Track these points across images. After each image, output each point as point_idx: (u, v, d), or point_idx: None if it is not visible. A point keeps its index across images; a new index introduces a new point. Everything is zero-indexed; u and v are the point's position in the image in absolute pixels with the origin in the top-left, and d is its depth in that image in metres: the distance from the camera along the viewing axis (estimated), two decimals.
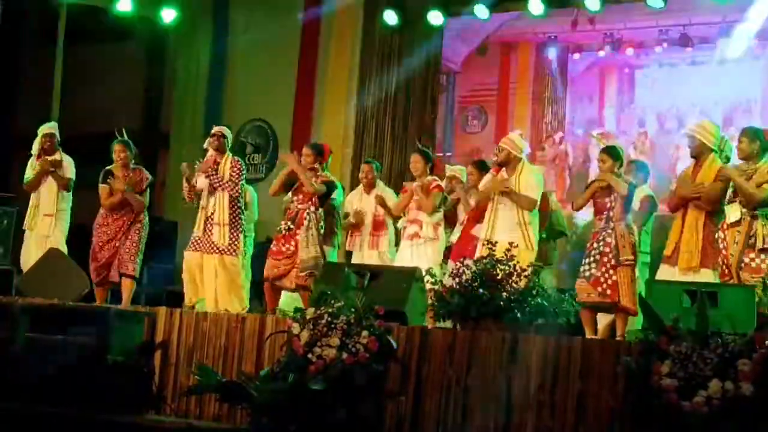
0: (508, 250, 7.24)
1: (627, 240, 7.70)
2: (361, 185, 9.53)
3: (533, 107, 13.59)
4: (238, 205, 8.87)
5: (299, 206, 8.77)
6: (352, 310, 6.50)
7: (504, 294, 6.89)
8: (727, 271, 7.20)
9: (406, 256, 8.85)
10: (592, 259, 7.75)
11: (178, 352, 7.74)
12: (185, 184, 9.01)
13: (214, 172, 8.83)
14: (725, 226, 7.30)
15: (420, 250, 8.83)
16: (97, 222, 9.19)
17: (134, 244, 9.12)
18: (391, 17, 12.17)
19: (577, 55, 13.37)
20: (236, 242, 8.80)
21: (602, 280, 7.63)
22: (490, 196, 8.31)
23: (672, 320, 5.73)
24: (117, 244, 9.09)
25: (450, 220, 9.12)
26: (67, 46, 12.93)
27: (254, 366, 7.31)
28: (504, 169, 8.38)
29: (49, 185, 9.55)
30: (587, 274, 7.70)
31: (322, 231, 8.76)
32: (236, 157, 9.04)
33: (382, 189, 9.46)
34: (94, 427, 6.97)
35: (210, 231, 8.78)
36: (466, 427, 6.48)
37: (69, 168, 9.61)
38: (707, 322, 5.62)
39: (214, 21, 13.59)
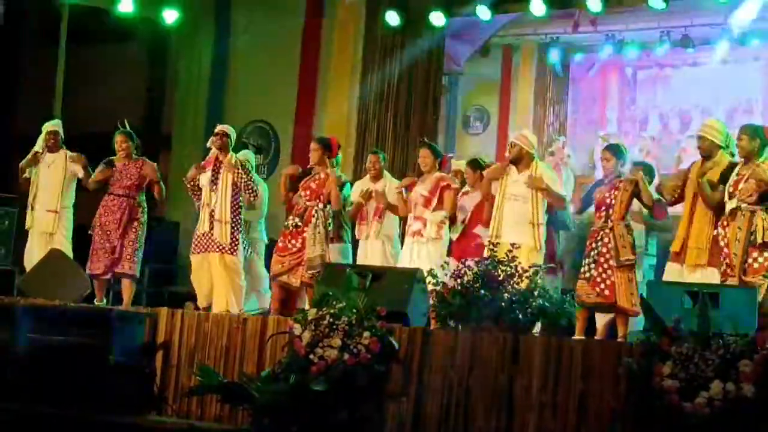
0: (510, 251, 7.24)
1: (626, 240, 7.69)
2: (368, 175, 9.47)
3: (535, 108, 13.62)
4: (239, 204, 8.85)
5: (308, 203, 8.77)
6: (354, 310, 6.50)
7: (505, 295, 6.88)
8: (729, 270, 7.20)
9: (408, 255, 8.84)
10: (591, 259, 7.77)
11: (180, 352, 7.74)
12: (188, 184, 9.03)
13: (245, 183, 8.82)
14: (725, 222, 7.31)
15: (422, 249, 8.80)
16: (98, 212, 9.22)
17: (131, 243, 9.10)
18: (392, 18, 12.17)
19: (578, 56, 13.39)
20: (236, 241, 8.80)
21: (599, 280, 7.64)
22: (492, 185, 8.33)
23: (673, 321, 5.73)
24: (113, 239, 9.08)
25: (450, 219, 9.12)
26: (68, 46, 12.93)
27: (256, 367, 7.31)
28: (516, 166, 8.36)
29: (51, 180, 9.52)
30: (587, 275, 7.72)
31: (330, 228, 8.76)
32: (239, 159, 9.03)
33: (389, 180, 9.41)
34: (96, 427, 6.98)
35: (212, 226, 8.77)
36: (468, 428, 6.48)
37: (77, 159, 9.60)
38: (709, 323, 5.62)
39: (216, 22, 13.58)
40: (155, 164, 9.41)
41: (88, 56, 13.76)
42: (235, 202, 8.79)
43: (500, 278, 6.96)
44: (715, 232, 7.37)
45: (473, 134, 13.72)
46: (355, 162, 12.25)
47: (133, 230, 9.13)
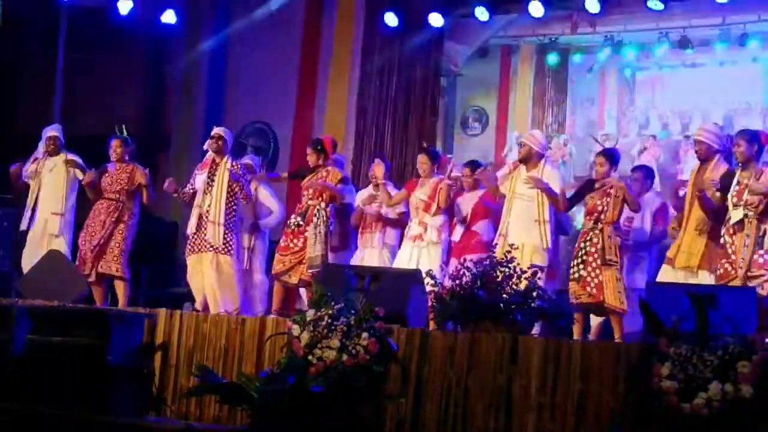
0: (509, 251, 7.26)
1: (614, 241, 7.83)
2: (371, 185, 9.51)
3: (534, 109, 13.60)
4: (234, 205, 8.86)
5: (309, 202, 8.82)
6: (353, 311, 6.50)
7: (504, 296, 6.89)
8: (733, 273, 7.21)
9: (406, 257, 8.86)
10: (579, 260, 7.89)
11: (179, 353, 7.74)
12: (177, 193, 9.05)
13: (240, 183, 8.82)
14: (731, 230, 7.32)
15: (422, 252, 8.84)
16: (89, 216, 9.25)
17: (118, 245, 9.13)
18: (391, 19, 12.17)
19: (577, 58, 13.38)
20: (230, 242, 8.80)
21: (589, 280, 7.74)
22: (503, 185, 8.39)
23: (672, 322, 5.73)
24: (99, 239, 9.09)
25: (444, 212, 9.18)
26: (68, 48, 12.93)
27: (254, 367, 7.31)
28: (524, 165, 8.42)
29: (54, 184, 9.54)
30: (576, 275, 7.84)
31: (331, 228, 8.79)
32: (236, 160, 9.04)
33: (390, 188, 9.45)
34: (94, 428, 6.97)
35: (204, 229, 8.78)
36: (467, 428, 6.48)
37: (80, 168, 9.61)
38: (707, 325, 5.62)
39: (215, 24, 13.59)
40: (147, 169, 9.43)
41: (88, 58, 13.76)
42: (229, 204, 8.80)
43: (499, 279, 6.97)
44: (721, 241, 7.38)
45: (471, 135, 13.71)
46: (353, 163, 12.26)
47: (119, 232, 9.15)
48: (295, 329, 6.50)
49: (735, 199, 7.35)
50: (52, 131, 9.71)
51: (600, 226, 7.89)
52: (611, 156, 8.27)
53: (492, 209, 9.04)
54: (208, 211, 8.79)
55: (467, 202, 9.12)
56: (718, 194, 7.47)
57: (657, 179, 10.26)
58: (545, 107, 13.61)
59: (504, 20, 12.83)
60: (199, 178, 8.90)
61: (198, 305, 8.93)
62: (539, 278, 7.28)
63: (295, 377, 6.34)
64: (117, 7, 12.46)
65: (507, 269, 7.01)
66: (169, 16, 12.86)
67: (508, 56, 13.67)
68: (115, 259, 9.12)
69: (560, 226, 8.82)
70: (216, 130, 9.05)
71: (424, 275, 7.40)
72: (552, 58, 13.30)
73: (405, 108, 12.40)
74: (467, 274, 7.03)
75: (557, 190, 8.29)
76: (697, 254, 7.52)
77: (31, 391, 7.30)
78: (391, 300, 6.88)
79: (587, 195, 8.13)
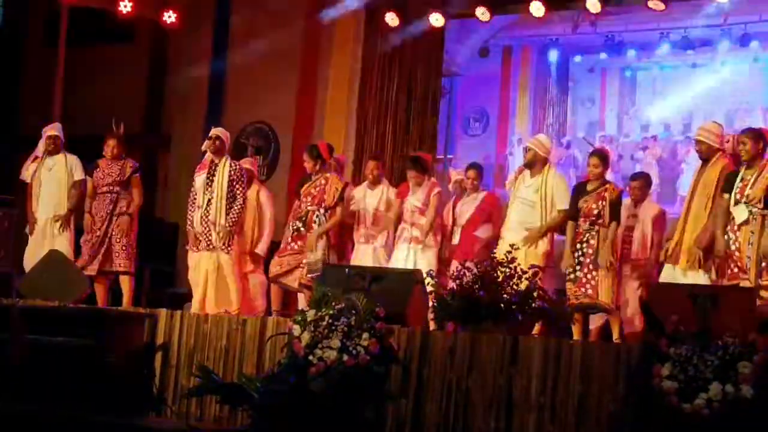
0: (509, 252, 7.26)
1: (609, 243, 7.93)
2: (366, 182, 9.52)
3: (535, 110, 13.61)
4: (234, 205, 8.85)
5: (309, 207, 8.84)
6: (353, 312, 6.49)
7: (504, 296, 6.89)
8: (741, 273, 7.20)
9: (402, 257, 8.89)
10: (576, 261, 7.91)
11: (179, 353, 7.74)
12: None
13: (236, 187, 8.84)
14: (735, 227, 7.31)
15: (417, 255, 8.88)
16: (90, 213, 9.29)
17: (120, 240, 9.13)
18: (392, 19, 12.17)
19: (578, 58, 13.38)
20: (231, 241, 8.81)
21: (585, 281, 7.79)
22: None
23: (672, 322, 5.73)
24: (99, 234, 9.10)
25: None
26: (68, 47, 12.93)
27: (255, 368, 7.32)
28: (529, 170, 8.44)
29: (55, 183, 9.53)
30: (572, 276, 7.89)
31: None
32: (234, 161, 9.04)
33: (387, 186, 9.47)
34: (94, 428, 6.96)
35: (205, 229, 8.78)
36: (467, 429, 6.47)
37: (77, 168, 9.61)
38: (708, 325, 5.62)
39: (216, 23, 13.59)
40: (137, 163, 9.45)
41: (89, 57, 13.77)
42: (230, 205, 8.79)
43: (499, 279, 6.97)
44: (725, 238, 7.38)
45: (472, 135, 13.71)
46: (355, 165, 12.26)
47: (120, 226, 9.14)
48: (296, 329, 6.49)
49: (738, 196, 7.35)
50: (51, 130, 9.71)
51: (596, 228, 7.94)
52: (605, 156, 8.35)
53: (493, 213, 9.06)
54: (208, 212, 8.79)
55: (468, 206, 9.13)
56: (726, 195, 7.45)
57: (656, 181, 10.27)
58: (546, 107, 13.61)
59: (505, 20, 12.83)
60: (198, 179, 8.91)
61: (194, 303, 8.89)
62: (540, 278, 7.28)
63: (296, 377, 6.34)
64: (118, 6, 12.47)
65: (507, 269, 7.01)
66: (169, 15, 12.87)
67: (509, 56, 13.68)
68: (119, 254, 9.13)
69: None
70: (213, 131, 9.06)
71: (424, 275, 7.41)
72: (552, 58, 13.31)
73: (406, 108, 12.40)
74: (468, 274, 7.02)
75: (564, 200, 8.30)
76: (696, 254, 7.51)
77: (31, 391, 7.30)
78: (391, 300, 6.88)
79: (581, 199, 8.15)
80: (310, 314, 6.49)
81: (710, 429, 5.34)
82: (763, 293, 7.07)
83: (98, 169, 9.31)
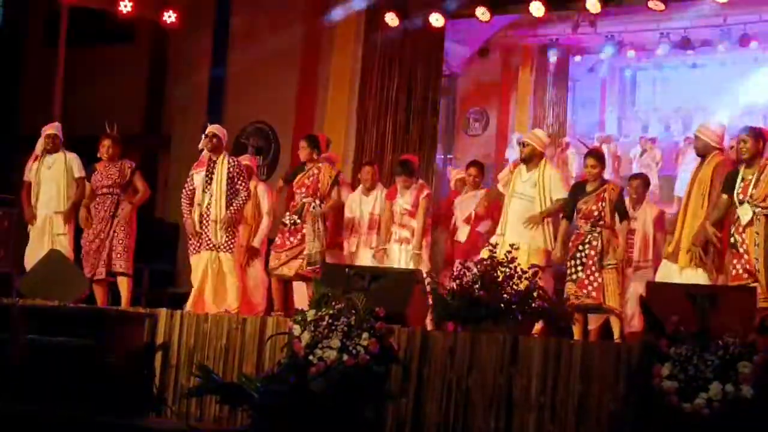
0: (509, 252, 7.26)
1: (613, 244, 7.88)
2: (361, 187, 9.57)
3: (535, 110, 13.62)
4: (234, 202, 8.84)
5: (304, 199, 8.85)
6: (353, 311, 6.49)
7: (504, 296, 6.89)
8: (746, 275, 7.19)
9: (395, 255, 8.94)
10: (578, 261, 7.92)
11: (179, 353, 7.74)
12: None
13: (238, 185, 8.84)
14: (740, 229, 7.29)
15: (410, 255, 8.94)
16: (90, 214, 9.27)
17: (120, 242, 9.12)
18: (392, 20, 12.17)
19: (578, 58, 13.41)
20: (232, 239, 8.80)
21: (587, 282, 7.78)
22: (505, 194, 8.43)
23: (672, 322, 5.73)
24: (102, 236, 9.11)
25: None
26: (68, 48, 12.93)
27: (255, 367, 7.31)
28: (526, 165, 8.42)
29: (54, 182, 9.53)
30: (574, 277, 7.88)
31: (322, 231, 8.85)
32: (232, 157, 9.03)
33: (382, 191, 9.50)
34: (94, 429, 6.96)
35: (206, 227, 8.77)
36: (467, 428, 6.47)
37: (77, 165, 9.61)
38: (708, 325, 5.62)
39: (216, 23, 13.59)
40: (134, 163, 9.44)
41: (89, 57, 13.78)
42: (229, 202, 8.78)
43: (499, 279, 6.97)
44: (731, 240, 7.37)
45: (472, 135, 13.72)
46: (354, 164, 12.26)
47: (120, 228, 9.13)
48: (296, 329, 6.49)
49: (741, 196, 7.34)
50: (50, 129, 9.71)
51: (598, 229, 7.92)
52: (601, 156, 8.36)
53: (494, 209, 9.07)
54: (208, 210, 8.78)
55: (469, 203, 9.13)
56: (724, 196, 7.44)
57: (655, 182, 10.28)
58: (546, 107, 13.63)
59: (505, 21, 12.83)
60: (197, 177, 8.88)
61: (189, 301, 8.86)
62: (540, 278, 7.28)
63: (296, 377, 6.34)
64: (118, 6, 12.48)
65: (507, 269, 7.00)
66: (169, 16, 12.87)
67: (509, 57, 13.68)
68: (119, 255, 9.11)
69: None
70: (210, 128, 9.03)
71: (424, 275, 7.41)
72: (552, 59, 13.32)
73: (406, 108, 12.40)
74: (468, 274, 7.02)
75: (562, 190, 8.30)
76: (696, 251, 7.51)
77: (31, 391, 7.30)
78: (391, 300, 6.88)
79: (580, 200, 8.14)
80: (310, 314, 6.49)
81: (710, 429, 5.34)
82: None
83: (96, 172, 9.29)
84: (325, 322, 6.42)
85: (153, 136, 14.02)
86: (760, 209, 7.21)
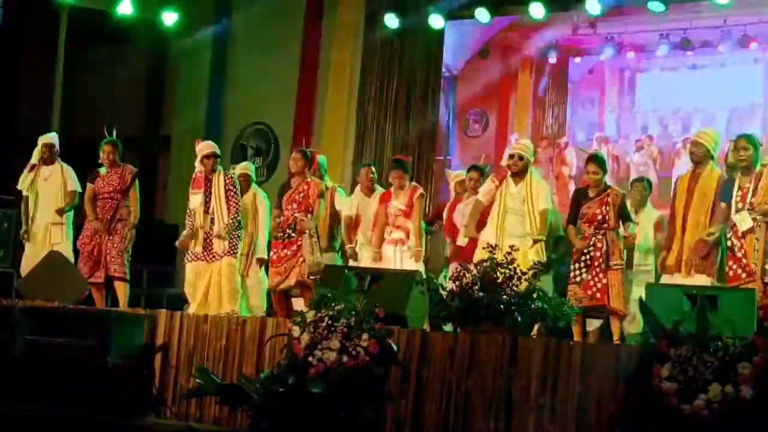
0: (509, 253, 7.25)
1: (617, 246, 7.97)
2: (357, 188, 9.59)
3: (534, 111, 13.63)
4: (236, 214, 8.84)
5: (296, 214, 8.86)
6: (353, 312, 6.50)
7: (504, 297, 6.89)
8: (746, 276, 7.19)
9: (390, 255, 8.98)
10: (582, 264, 7.91)
11: (179, 354, 7.73)
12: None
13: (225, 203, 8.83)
14: (739, 234, 7.28)
15: (404, 256, 9.00)
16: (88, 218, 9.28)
17: (115, 246, 9.12)
18: (391, 21, 12.18)
19: (578, 59, 13.42)
20: (235, 245, 8.81)
21: (592, 284, 7.81)
22: (492, 202, 8.37)
23: (672, 324, 5.73)
24: (99, 240, 9.11)
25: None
26: (68, 48, 12.94)
27: (254, 368, 7.30)
28: (512, 178, 8.37)
29: (51, 193, 9.55)
30: (578, 279, 7.87)
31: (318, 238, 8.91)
32: (226, 172, 8.97)
33: (381, 193, 9.54)
34: (94, 429, 6.97)
35: (210, 243, 8.76)
36: (467, 430, 6.47)
37: (71, 178, 9.63)
38: (707, 326, 5.62)
39: (216, 24, 13.60)
40: (136, 170, 9.43)
41: (88, 58, 13.78)
42: (230, 214, 8.77)
43: (499, 280, 6.97)
44: (728, 244, 7.37)
45: (472, 137, 13.73)
46: (354, 165, 12.26)
47: (117, 232, 9.13)
48: (295, 330, 6.50)
49: (739, 205, 7.31)
50: (47, 139, 9.72)
51: (602, 231, 7.94)
52: (602, 161, 8.33)
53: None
54: (212, 229, 8.75)
55: (469, 207, 9.13)
56: (723, 205, 7.43)
57: (655, 180, 10.30)
58: (545, 108, 13.63)
59: (505, 22, 12.84)
60: (195, 199, 8.82)
61: (191, 310, 8.86)
62: (539, 279, 7.28)
63: (295, 378, 6.34)
64: (117, 7, 12.48)
65: (507, 270, 7.00)
66: (169, 17, 12.88)
67: (509, 58, 13.69)
68: (114, 260, 9.11)
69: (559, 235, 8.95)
70: (209, 149, 8.88)
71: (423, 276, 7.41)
72: (552, 60, 13.32)
73: (405, 109, 12.41)
74: (467, 275, 7.02)
75: (546, 203, 8.26)
76: (701, 261, 7.49)
77: (31, 391, 7.30)
78: (391, 301, 6.88)
79: (583, 206, 8.13)
80: (310, 315, 6.50)
81: (710, 430, 5.35)
82: None
83: (99, 178, 9.28)
84: (324, 324, 6.43)
85: (153, 136, 14.02)
86: (760, 217, 7.18)
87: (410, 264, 8.81)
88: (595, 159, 8.38)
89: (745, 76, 12.35)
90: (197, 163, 8.90)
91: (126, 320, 7.66)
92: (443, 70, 12.81)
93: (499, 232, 8.24)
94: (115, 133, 9.40)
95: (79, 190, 9.57)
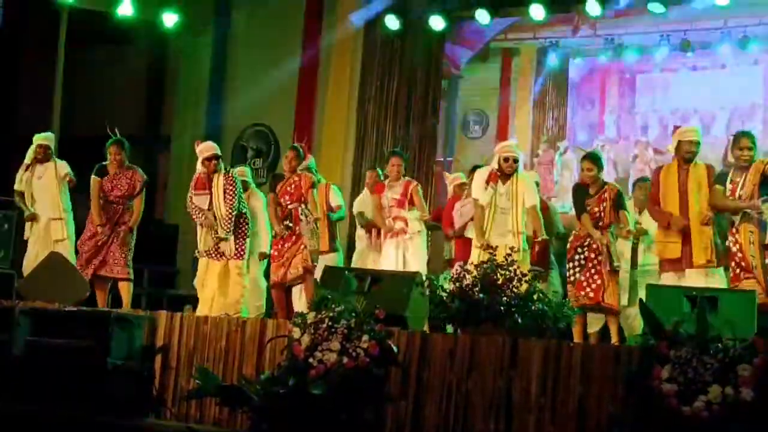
0: (509, 254, 7.26)
1: (614, 246, 8.04)
2: (365, 190, 9.72)
3: (534, 112, 13.60)
4: (242, 213, 8.87)
5: (290, 206, 8.92)
6: (353, 314, 6.50)
7: (504, 299, 6.89)
8: (743, 273, 7.22)
9: (392, 253, 9.03)
10: (576, 263, 7.94)
11: (179, 355, 7.74)
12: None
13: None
14: (734, 229, 7.35)
15: (407, 245, 9.16)
16: (89, 218, 9.26)
17: (119, 246, 9.12)
18: (392, 22, 12.17)
19: (578, 60, 13.38)
20: (243, 247, 8.84)
21: (586, 284, 7.83)
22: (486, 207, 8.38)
23: (672, 325, 5.73)
24: (99, 240, 9.10)
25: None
26: (68, 49, 12.94)
27: (255, 370, 7.31)
28: (500, 177, 8.37)
29: (46, 191, 9.54)
30: (572, 279, 7.91)
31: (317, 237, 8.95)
32: (226, 173, 8.96)
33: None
34: (95, 430, 6.98)
35: (216, 242, 8.78)
36: (467, 431, 6.48)
37: (63, 167, 9.61)
38: (707, 327, 5.62)
39: (216, 25, 13.60)
40: (145, 177, 9.40)
41: (88, 59, 13.79)
42: (234, 214, 8.78)
43: (499, 282, 6.97)
44: (728, 242, 7.40)
45: (472, 138, 13.71)
46: (354, 166, 12.27)
47: (121, 234, 9.13)
48: (296, 332, 6.50)
49: (730, 197, 7.40)
50: (42, 139, 9.71)
51: (598, 230, 7.98)
52: (597, 158, 8.37)
53: None
54: (218, 231, 8.78)
55: (470, 208, 9.13)
56: (718, 186, 7.51)
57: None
58: (546, 110, 13.61)
59: (505, 23, 12.84)
60: (198, 200, 8.84)
61: (199, 310, 8.89)
62: (539, 281, 7.30)
63: (296, 380, 6.34)
64: (117, 8, 12.48)
65: (507, 272, 7.01)
66: (169, 18, 12.87)
67: (509, 59, 13.67)
68: (117, 261, 9.12)
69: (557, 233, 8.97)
70: (209, 151, 8.91)
71: (424, 278, 7.42)
72: (552, 61, 13.31)
73: (406, 110, 12.41)
74: (467, 277, 7.03)
75: (534, 199, 8.28)
76: (711, 248, 7.54)
77: (31, 391, 7.30)
78: (391, 302, 6.89)
79: (586, 201, 8.16)
80: (310, 316, 6.50)
81: (710, 431, 5.35)
82: None
83: (107, 178, 9.25)
84: (324, 325, 6.43)
85: (153, 136, 14.02)
86: (752, 211, 7.26)
87: (413, 260, 8.94)
88: (590, 156, 8.43)
89: (745, 77, 12.33)
90: (199, 165, 8.92)
91: (126, 321, 7.66)
92: (443, 70, 12.80)
93: (489, 231, 8.28)
94: (117, 133, 9.40)
95: (71, 174, 9.54)
